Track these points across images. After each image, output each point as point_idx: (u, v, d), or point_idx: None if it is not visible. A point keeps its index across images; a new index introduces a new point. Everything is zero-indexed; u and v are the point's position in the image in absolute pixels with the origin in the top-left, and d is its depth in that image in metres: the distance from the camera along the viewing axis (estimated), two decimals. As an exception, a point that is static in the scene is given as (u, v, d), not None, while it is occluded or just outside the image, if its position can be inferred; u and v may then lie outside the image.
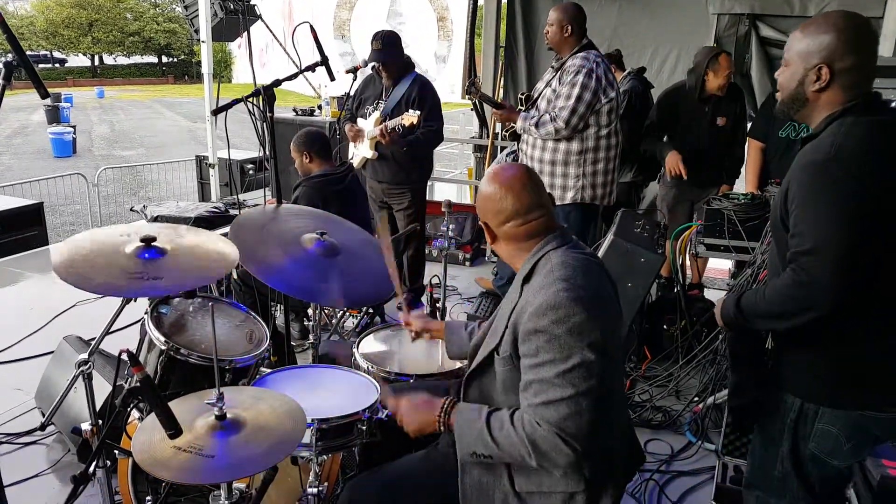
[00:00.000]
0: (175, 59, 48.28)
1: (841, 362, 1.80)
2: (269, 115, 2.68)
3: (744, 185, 4.55)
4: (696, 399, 3.52)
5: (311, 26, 2.92)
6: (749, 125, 4.68)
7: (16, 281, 5.40)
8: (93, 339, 3.36)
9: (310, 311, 2.84)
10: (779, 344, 1.96)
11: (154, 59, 48.78)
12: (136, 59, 47.97)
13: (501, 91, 6.57)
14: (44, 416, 3.16)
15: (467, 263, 6.06)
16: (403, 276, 4.75)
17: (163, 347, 2.02)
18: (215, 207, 4.39)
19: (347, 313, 4.16)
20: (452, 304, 4.99)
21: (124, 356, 1.41)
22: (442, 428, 1.81)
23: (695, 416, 3.44)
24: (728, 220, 3.57)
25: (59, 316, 4.58)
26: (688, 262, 4.37)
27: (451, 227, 3.00)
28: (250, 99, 2.69)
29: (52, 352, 3.46)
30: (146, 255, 1.70)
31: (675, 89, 4.73)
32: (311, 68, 2.88)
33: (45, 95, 1.68)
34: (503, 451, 1.67)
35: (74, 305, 4.73)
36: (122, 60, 47.60)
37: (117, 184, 11.98)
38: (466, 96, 5.05)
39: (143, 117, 25.89)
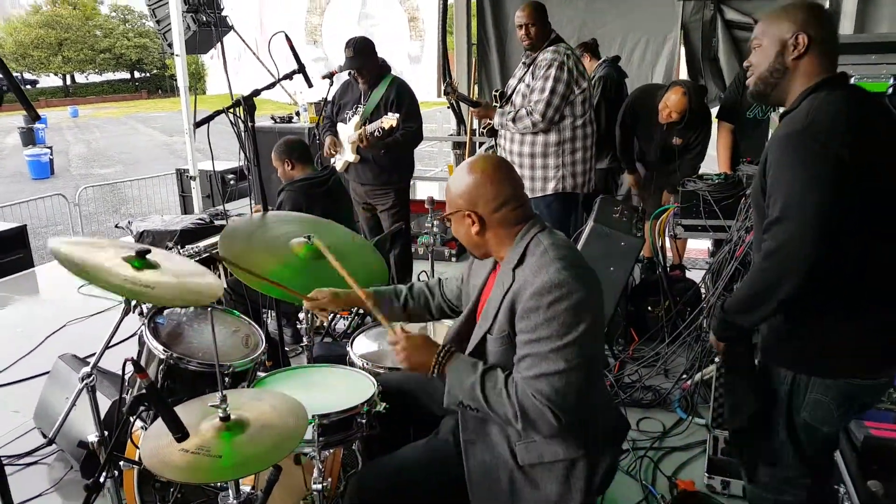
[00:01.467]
0: (147, 74, 48.01)
1: (828, 334, 1.86)
2: (250, 124, 2.73)
3: (716, 165, 4.66)
4: (684, 376, 3.62)
5: (287, 35, 2.97)
6: (717, 108, 4.79)
7: (3, 305, 5.40)
8: (88, 356, 3.41)
9: (301, 315, 2.89)
10: (767, 321, 2.03)
11: (126, 75, 48.46)
12: (109, 75, 47.61)
13: (476, 87, 6.64)
14: (44, 436, 3.20)
15: (453, 259, 6.12)
16: (392, 276, 4.80)
17: (162, 357, 2.07)
18: (200, 219, 4.43)
19: (338, 315, 4.21)
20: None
21: (129, 365, 1.46)
22: (435, 373, 1.85)
23: (684, 393, 3.53)
24: (703, 201, 3.66)
25: (50, 336, 4.59)
26: (668, 244, 4.46)
27: (435, 223, 3.07)
28: (231, 109, 2.74)
29: (46, 372, 3.49)
30: (139, 265, 1.75)
31: (648, 92, 4.71)
32: (289, 76, 2.93)
33: (35, 118, 1.71)
34: (491, 408, 1.75)
35: (65, 326, 4.76)
36: (95, 78, 47.25)
37: (98, 202, 11.94)
38: (444, 96, 5.12)
39: (119, 134, 25.73)
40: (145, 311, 2.22)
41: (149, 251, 1.77)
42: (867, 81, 3.04)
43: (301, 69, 2.97)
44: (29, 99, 1.73)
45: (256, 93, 2.81)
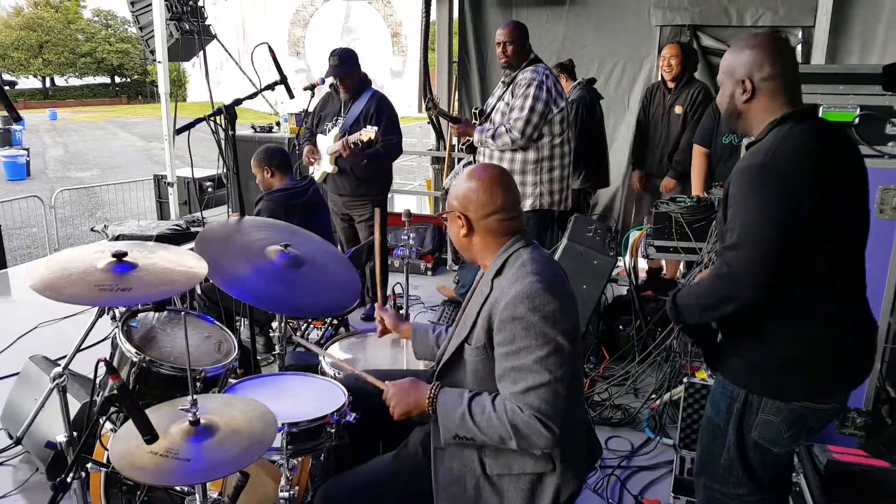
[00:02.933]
0: (128, 79, 47.70)
1: (784, 356, 1.92)
2: (231, 133, 2.75)
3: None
4: (653, 396, 3.67)
5: (270, 47, 3.00)
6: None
7: (-27, 306, 5.33)
8: (59, 358, 3.38)
9: (274, 324, 2.90)
10: (726, 337, 2.08)
11: (107, 80, 48.12)
12: (89, 79, 47.24)
13: (456, 104, 6.71)
14: (11, 437, 3.16)
15: (429, 273, 6.15)
16: (367, 288, 4.82)
17: (135, 359, 2.07)
18: (176, 225, 4.41)
19: (311, 325, 4.21)
20: (416, 313, 5.08)
21: (101, 366, 1.47)
22: (431, 410, 1.89)
23: (652, 413, 3.57)
24: (675, 223, 3.73)
25: (21, 338, 4.54)
26: (643, 264, 4.55)
27: (411, 236, 3.10)
28: (212, 118, 2.76)
29: (15, 374, 3.45)
30: (118, 269, 1.76)
31: (654, 84, 5.21)
32: (271, 87, 2.97)
33: (17, 118, 1.72)
34: (484, 433, 1.78)
35: (36, 327, 4.70)
36: (74, 81, 46.82)
37: (74, 206, 11.82)
38: (425, 111, 5.19)
39: (98, 138, 25.51)
40: (118, 314, 2.22)
41: (125, 254, 1.78)
42: (834, 111, 3.13)
43: (283, 80, 3.01)
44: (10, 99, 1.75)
45: (238, 102, 2.84)
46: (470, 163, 5.46)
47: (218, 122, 2.77)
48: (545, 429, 1.70)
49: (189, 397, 1.65)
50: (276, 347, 2.87)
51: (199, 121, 2.77)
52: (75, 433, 1.92)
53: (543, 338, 1.71)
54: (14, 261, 7.95)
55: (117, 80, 48.07)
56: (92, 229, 4.62)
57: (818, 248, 1.83)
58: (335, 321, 4.18)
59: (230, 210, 3.34)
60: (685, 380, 3.18)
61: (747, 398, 1.98)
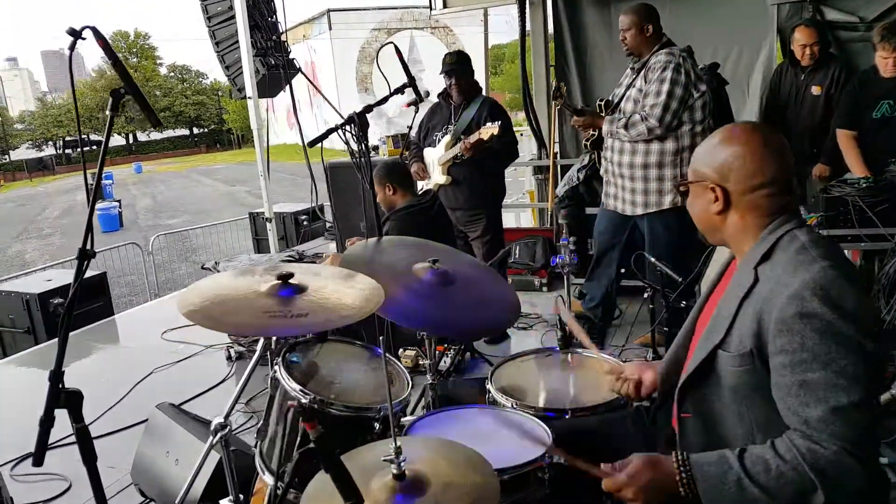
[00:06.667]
0: (205, 129, 49.91)
1: None
2: (364, 141, 2.52)
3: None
4: None
5: (396, 46, 2.80)
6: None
7: (87, 354, 5.26)
8: (182, 403, 3.16)
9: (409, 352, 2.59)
10: None
11: (186, 132, 50.49)
12: (169, 132, 49.70)
13: (556, 112, 6.39)
14: (143, 495, 2.93)
15: (544, 289, 5.76)
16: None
17: (303, 400, 1.75)
18: (290, 256, 4.21)
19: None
20: (542, 332, 4.69)
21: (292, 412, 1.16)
22: (685, 490, 1.41)
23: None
24: (854, 207, 3.25)
25: (137, 385, 4.39)
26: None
27: (569, 240, 2.74)
28: (344, 127, 2.54)
29: (139, 423, 3.26)
30: (284, 293, 1.47)
31: (781, 64, 4.94)
32: (401, 90, 2.77)
33: (156, 123, 1.52)
34: (774, 496, 1.33)
35: (151, 374, 4.56)
36: (156, 136, 49.34)
37: (168, 251, 12.04)
38: (553, 101, 4.89)
39: (183, 186, 26.48)
40: (273, 346, 1.92)
41: (291, 275, 1.48)
42: None
43: (412, 82, 2.77)
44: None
45: (369, 109, 2.62)
46: (584, 166, 5.10)
47: (350, 131, 2.53)
48: (858, 463, 1.26)
49: (392, 444, 1.31)
50: (428, 377, 2.54)
51: (331, 131, 2.56)
52: (241, 496, 1.62)
53: (846, 342, 1.29)
54: (117, 308, 8.02)
55: (195, 130, 50.35)
56: (202, 267, 4.48)
57: None
58: (461, 347, 3.85)
59: (366, 233, 3.06)
60: None
61: None
